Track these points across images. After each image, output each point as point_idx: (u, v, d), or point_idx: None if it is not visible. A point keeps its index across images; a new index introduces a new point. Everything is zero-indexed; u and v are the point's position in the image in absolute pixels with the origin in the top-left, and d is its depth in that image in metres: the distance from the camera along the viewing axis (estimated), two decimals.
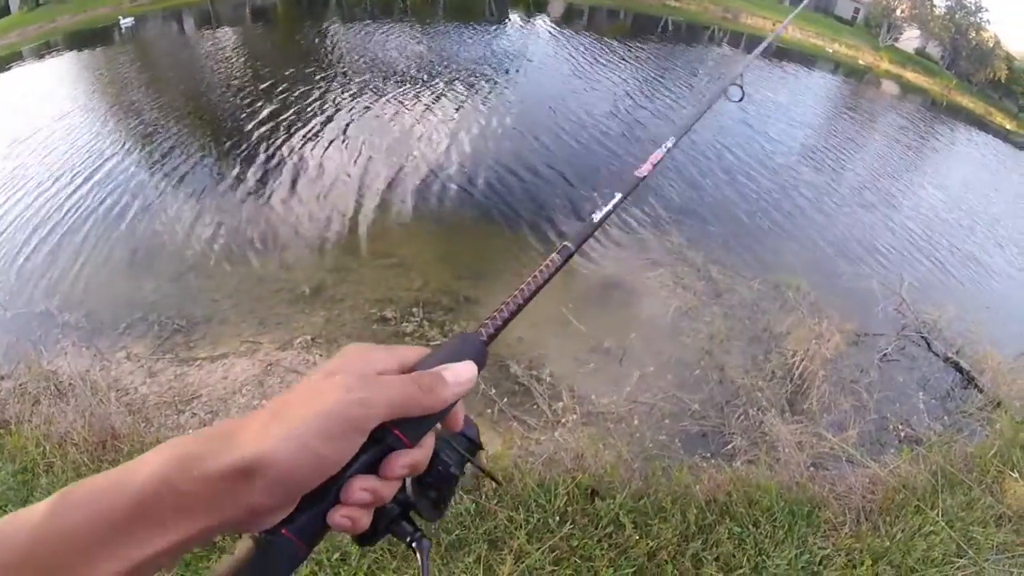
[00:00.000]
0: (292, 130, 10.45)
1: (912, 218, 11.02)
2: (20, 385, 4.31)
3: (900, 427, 4.89)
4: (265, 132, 10.31)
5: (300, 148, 9.75)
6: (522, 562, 2.67)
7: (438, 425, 0.50)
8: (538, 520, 2.86)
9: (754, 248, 8.03)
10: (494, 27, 23.29)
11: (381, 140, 10.14)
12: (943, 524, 3.07)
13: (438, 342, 5.11)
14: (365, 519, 0.45)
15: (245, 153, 9.51)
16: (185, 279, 6.35)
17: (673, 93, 15.30)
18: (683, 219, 8.35)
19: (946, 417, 5.24)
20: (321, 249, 6.95)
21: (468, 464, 0.56)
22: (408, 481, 0.51)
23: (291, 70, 14.27)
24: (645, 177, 0.85)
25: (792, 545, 2.89)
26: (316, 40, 18.71)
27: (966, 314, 7.02)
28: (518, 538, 2.76)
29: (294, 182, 8.59)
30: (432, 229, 7.57)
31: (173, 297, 6.02)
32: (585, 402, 4.19)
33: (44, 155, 9.63)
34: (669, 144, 0.97)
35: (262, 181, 8.60)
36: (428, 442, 0.49)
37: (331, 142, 10.01)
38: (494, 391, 4.02)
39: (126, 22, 22.75)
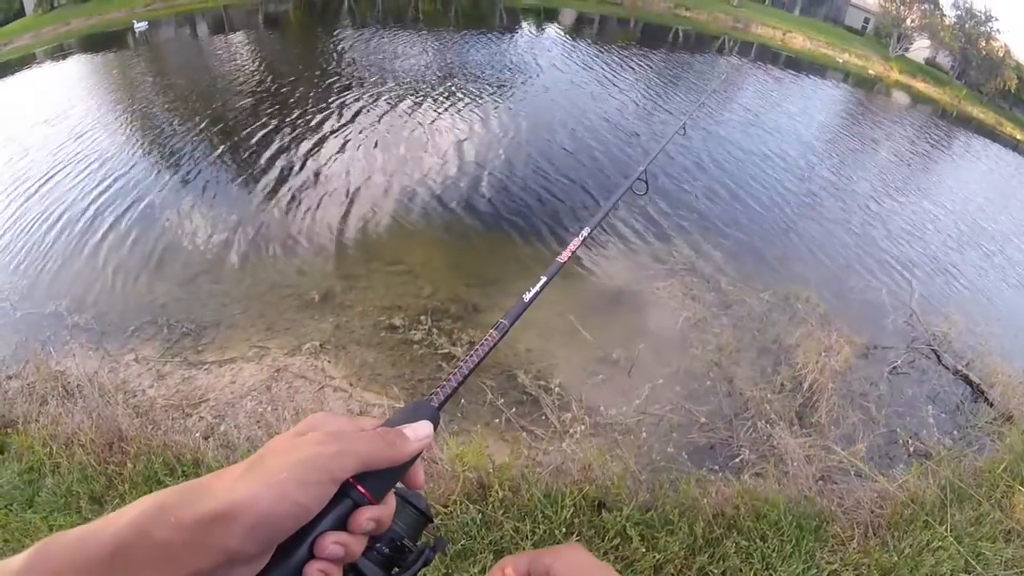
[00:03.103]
0: (304, 137, 10.52)
1: (922, 230, 10.94)
2: (28, 385, 4.34)
3: (909, 441, 4.85)
4: (277, 138, 10.38)
5: (311, 155, 9.81)
6: None
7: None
8: (544, 531, 2.85)
9: (764, 259, 8.00)
10: (506, 36, 23.40)
11: (392, 147, 10.18)
12: (952, 539, 3.04)
13: (446, 350, 5.14)
14: (336, 574, 0.47)
15: (257, 159, 9.57)
16: (195, 283, 6.39)
17: (683, 102, 15.27)
18: (692, 229, 8.32)
19: (956, 431, 5.20)
20: (330, 256, 6.98)
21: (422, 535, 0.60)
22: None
23: (304, 76, 14.38)
24: (565, 262, 0.97)
25: (800, 560, 2.87)
26: (329, 47, 18.81)
27: (976, 327, 6.97)
28: (523, 549, 2.75)
29: (305, 188, 8.63)
30: (441, 237, 7.58)
31: (183, 300, 6.05)
32: (593, 413, 4.18)
33: (56, 158, 9.72)
34: (585, 233, 1.08)
35: (273, 187, 8.65)
36: (391, 500, 0.52)
37: (342, 149, 10.07)
38: (502, 401, 4.01)
39: (140, 26, 22.92)
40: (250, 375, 4.56)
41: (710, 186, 10.15)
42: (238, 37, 21.02)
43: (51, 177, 8.99)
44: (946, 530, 3.08)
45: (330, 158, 9.69)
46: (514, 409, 4.21)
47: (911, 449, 4.77)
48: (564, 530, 2.85)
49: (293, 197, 8.35)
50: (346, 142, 10.34)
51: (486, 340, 0.73)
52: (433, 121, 11.62)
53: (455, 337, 5.18)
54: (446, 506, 2.93)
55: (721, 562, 2.83)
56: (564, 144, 10.96)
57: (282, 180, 8.84)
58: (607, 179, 9.68)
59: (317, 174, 9.09)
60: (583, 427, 3.65)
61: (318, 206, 8.09)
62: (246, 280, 6.41)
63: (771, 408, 4.56)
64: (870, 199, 11.72)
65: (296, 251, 7.01)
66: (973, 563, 2.95)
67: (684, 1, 41.86)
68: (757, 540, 2.94)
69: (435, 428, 0.58)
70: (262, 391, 4.36)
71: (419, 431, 0.54)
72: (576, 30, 27.85)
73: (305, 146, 10.10)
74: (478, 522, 2.87)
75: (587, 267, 6.92)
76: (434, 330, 5.45)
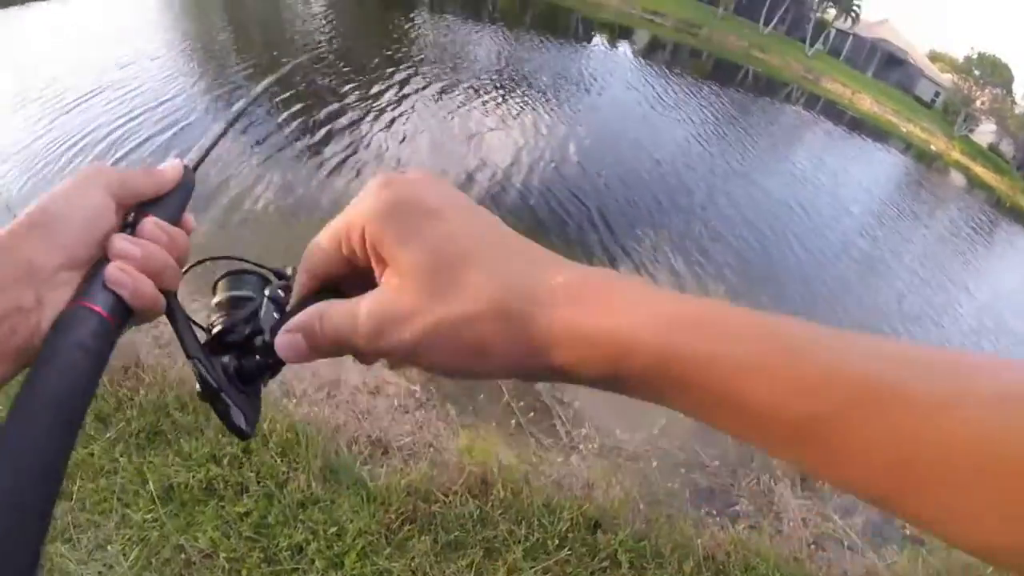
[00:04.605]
0: (364, 109, 10.60)
1: (940, 315, 10.71)
2: None
3: (906, 524, 4.83)
4: (338, 107, 10.46)
5: (368, 129, 9.87)
6: None
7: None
8: (537, 539, 2.90)
9: (798, 311, 7.95)
10: (578, 46, 23.43)
11: (448, 135, 10.27)
12: None
13: None
14: (143, 282, 0.44)
15: (314, 122, 9.66)
16: (235, 229, 6.50)
17: (741, 148, 15.20)
18: (730, 272, 8.32)
19: None
20: None
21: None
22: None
23: (373, 50, 14.52)
24: None
25: None
26: (403, 26, 18.95)
27: None
28: (514, 552, 2.81)
29: (357, 162, 8.70)
30: None
31: (220, 243, 6.14)
32: (603, 434, 4.23)
33: (121, 90, 9.86)
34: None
35: (325, 154, 8.73)
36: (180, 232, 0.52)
37: (397, 127, 10.13)
38: (517, 404, 4.08)
39: None
40: None
41: (748, 232, 10.10)
42: (319, 1, 21.30)
43: (109, 110, 9.12)
44: None
45: (384, 134, 9.78)
46: (531, 415, 4.27)
47: (907, 531, 4.75)
48: (557, 542, 2.90)
49: (342, 168, 8.42)
50: (402, 121, 10.42)
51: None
52: (491, 118, 11.69)
53: None
54: (446, 495, 3.00)
55: None
56: (614, 163, 10.96)
57: (334, 149, 8.90)
58: (651, 204, 9.68)
59: (368, 147, 9.17)
60: (593, 446, 3.71)
61: (364, 181, 8.12)
62: (283, 236, 6.50)
63: (777, 464, 4.57)
64: (902, 275, 11.54)
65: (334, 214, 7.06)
66: None
67: (759, 42, 41.73)
68: None
69: (191, 185, 0.56)
70: None
71: (169, 169, 0.53)
72: (648, 53, 27.85)
73: (363, 120, 10.17)
74: (475, 517, 2.93)
75: None
76: None
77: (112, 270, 0.43)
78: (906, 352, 0.29)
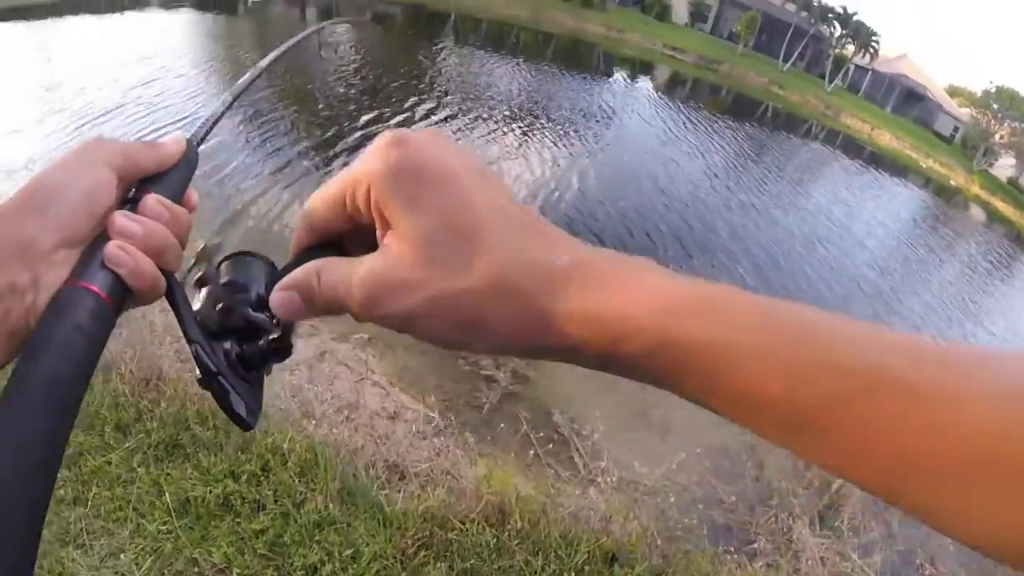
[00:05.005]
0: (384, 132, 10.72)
1: None
2: None
3: (925, 565, 4.72)
4: (368, 133, 10.63)
5: None
6: None
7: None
8: (554, 570, 2.87)
9: None
10: (599, 81, 23.69)
11: None
12: None
13: (489, 372, 5.15)
14: (144, 262, 0.42)
15: (345, 148, 9.82)
16: (262, 251, 6.55)
17: (758, 182, 15.20)
18: None
19: (973, 563, 5.03)
20: None
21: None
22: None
23: (398, 77, 14.80)
24: None
25: None
26: (428, 55, 19.32)
27: None
28: None
29: None
30: None
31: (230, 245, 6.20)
32: (621, 467, 4.18)
33: (144, 106, 10.06)
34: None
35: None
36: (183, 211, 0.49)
37: None
38: (536, 435, 4.07)
39: None
40: (297, 350, 4.65)
41: (762, 265, 10.07)
42: (344, 27, 21.73)
43: (145, 121, 9.34)
44: None
45: None
46: (549, 446, 4.25)
47: (926, 573, 4.64)
48: (573, 574, 2.86)
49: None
50: None
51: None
52: (510, 148, 11.82)
53: (500, 361, 5.21)
54: (463, 523, 2.97)
55: None
56: (631, 195, 11.01)
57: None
58: (666, 236, 9.68)
59: None
60: (611, 479, 3.67)
61: None
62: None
63: (796, 502, 4.49)
64: (917, 309, 11.38)
65: None
66: None
67: (778, 79, 41.98)
68: None
69: (195, 161, 0.54)
70: (306, 368, 4.46)
71: (171, 143, 0.51)
72: (668, 89, 28.09)
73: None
74: (491, 546, 2.90)
75: None
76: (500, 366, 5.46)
77: (112, 248, 0.41)
78: (910, 343, 0.29)
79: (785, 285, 9.60)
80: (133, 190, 0.47)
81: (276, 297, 0.39)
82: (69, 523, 2.55)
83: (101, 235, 0.43)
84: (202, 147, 0.58)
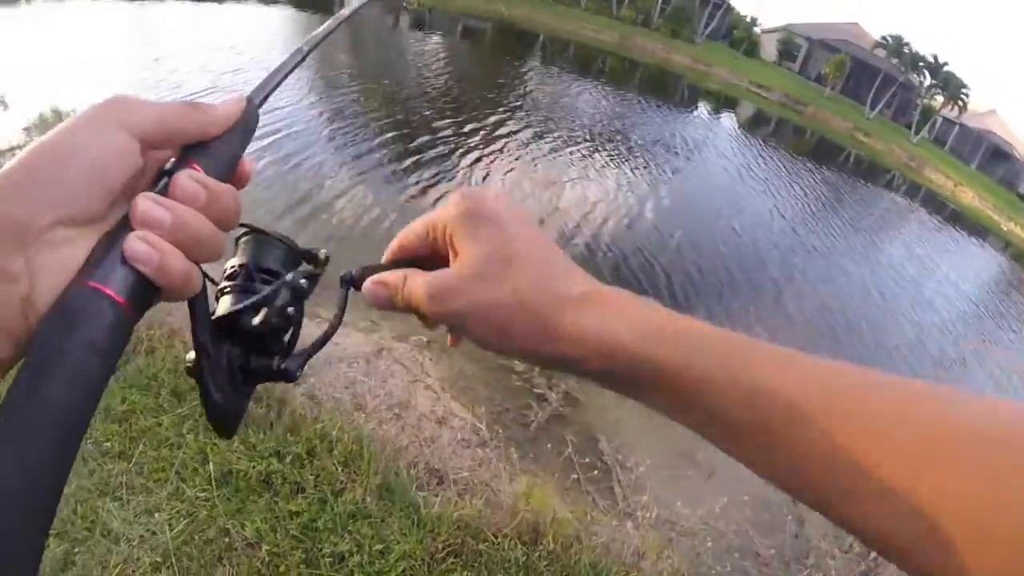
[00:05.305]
0: (468, 146, 10.96)
1: None
2: None
3: None
4: (444, 139, 10.85)
5: (470, 164, 10.21)
6: None
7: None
8: None
9: None
10: (682, 112, 23.49)
11: (546, 182, 10.39)
12: None
13: (541, 391, 5.10)
14: (174, 256, 0.36)
15: (419, 151, 10.00)
16: (333, 243, 6.70)
17: (827, 228, 14.75)
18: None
19: None
20: None
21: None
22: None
23: (482, 93, 15.01)
24: None
25: None
26: (514, 73, 19.53)
27: None
28: None
29: (436, 192, 8.88)
30: None
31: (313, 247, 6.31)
32: (661, 504, 4.08)
33: (231, 95, 10.40)
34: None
35: (425, 182, 9.01)
36: (228, 188, 0.42)
37: (483, 165, 10.38)
38: (578, 459, 4.01)
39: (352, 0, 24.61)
40: (354, 343, 4.73)
41: (819, 313, 9.69)
42: (434, 38, 22.22)
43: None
44: None
45: (486, 174, 10.04)
46: (592, 473, 4.19)
47: None
48: None
49: (442, 197, 8.64)
50: (488, 159, 10.68)
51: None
52: (585, 173, 11.78)
53: (553, 382, 5.14)
54: (496, 536, 2.94)
55: None
56: (691, 227, 10.78)
57: (433, 180, 9.17)
58: (721, 273, 9.45)
59: (450, 180, 9.37)
60: (649, 515, 3.59)
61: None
62: (378, 258, 6.66)
63: (833, 565, 4.30)
64: (979, 377, 10.64)
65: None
66: None
67: (864, 126, 40.86)
68: None
69: (253, 126, 0.48)
70: (363, 362, 4.51)
71: (224, 105, 0.45)
72: (751, 126, 27.60)
73: (466, 155, 10.51)
74: (520, 563, 2.86)
75: None
76: (536, 368, 5.41)
77: (133, 242, 0.35)
78: (841, 372, 0.36)
79: (839, 338, 9.21)
80: (172, 161, 0.41)
81: (369, 288, 0.49)
82: (111, 475, 2.64)
83: (122, 222, 0.37)
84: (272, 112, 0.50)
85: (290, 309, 0.45)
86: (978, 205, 35.31)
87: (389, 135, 10.43)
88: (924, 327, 11.61)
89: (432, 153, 10.19)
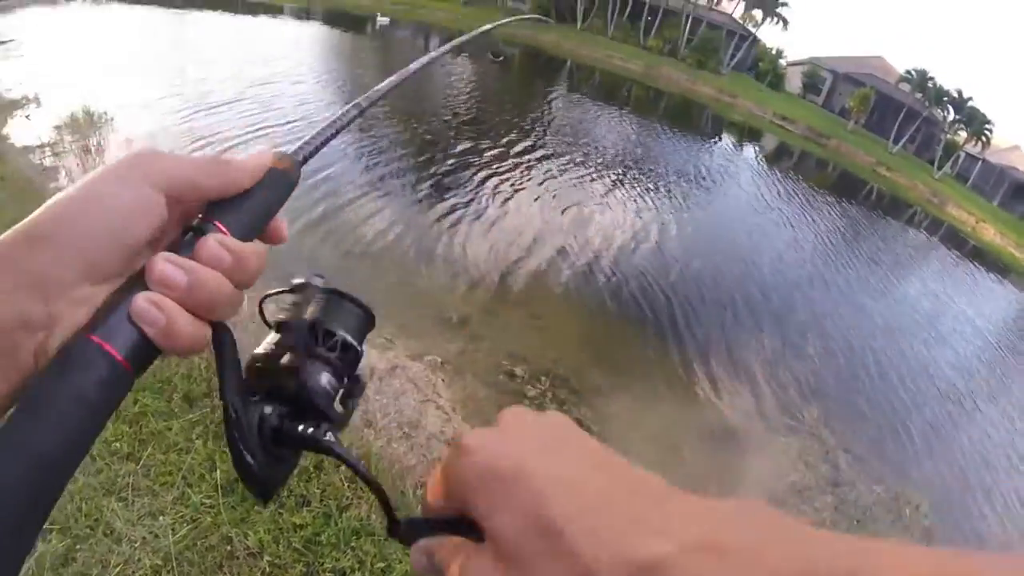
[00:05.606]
0: (489, 169, 11.14)
1: None
2: None
3: None
4: (466, 162, 11.01)
5: (490, 187, 10.35)
6: None
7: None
8: None
9: (889, 448, 7.41)
10: (705, 142, 23.55)
11: (563, 207, 10.48)
12: None
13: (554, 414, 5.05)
14: (182, 320, 0.36)
15: (441, 173, 10.20)
16: (350, 259, 6.79)
17: (845, 262, 14.61)
18: (830, 398, 7.83)
19: None
20: (479, 285, 7.25)
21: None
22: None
23: (509, 116, 15.20)
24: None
25: None
26: (540, 99, 19.70)
27: None
28: None
29: (476, 216, 9.08)
30: (584, 308, 7.67)
31: (334, 270, 6.43)
32: None
33: (256, 105, 10.68)
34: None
35: (446, 204, 9.15)
36: (259, 247, 0.43)
37: (518, 193, 10.50)
38: None
39: (382, 20, 25.13)
40: (369, 361, 4.76)
41: (831, 346, 9.56)
42: (464, 61, 22.50)
43: (262, 120, 9.84)
44: None
45: (504, 197, 10.16)
46: None
47: None
48: None
49: (461, 221, 8.79)
50: (523, 189, 10.80)
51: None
52: (609, 198, 11.85)
53: (567, 409, 5.13)
54: None
55: None
56: (724, 266, 10.76)
57: (456, 201, 9.34)
58: (738, 304, 9.37)
59: (488, 207, 9.54)
60: None
61: (481, 237, 8.52)
62: (396, 275, 6.75)
63: None
64: (992, 416, 10.39)
65: (451, 270, 7.39)
66: None
67: (887, 160, 40.62)
68: None
69: (293, 181, 0.47)
70: (374, 379, 4.53)
71: (252, 160, 0.44)
72: (774, 158, 27.59)
73: (487, 178, 10.66)
74: None
75: (710, 394, 6.74)
76: (549, 394, 5.45)
77: (140, 302, 0.35)
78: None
79: (856, 373, 9.09)
80: (199, 218, 0.41)
81: (415, 555, 0.37)
82: (118, 475, 2.65)
83: (137, 275, 0.37)
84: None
85: (330, 385, 0.44)
86: (1000, 242, 34.77)
87: (411, 152, 10.60)
88: (939, 364, 11.43)
89: (458, 171, 10.41)
